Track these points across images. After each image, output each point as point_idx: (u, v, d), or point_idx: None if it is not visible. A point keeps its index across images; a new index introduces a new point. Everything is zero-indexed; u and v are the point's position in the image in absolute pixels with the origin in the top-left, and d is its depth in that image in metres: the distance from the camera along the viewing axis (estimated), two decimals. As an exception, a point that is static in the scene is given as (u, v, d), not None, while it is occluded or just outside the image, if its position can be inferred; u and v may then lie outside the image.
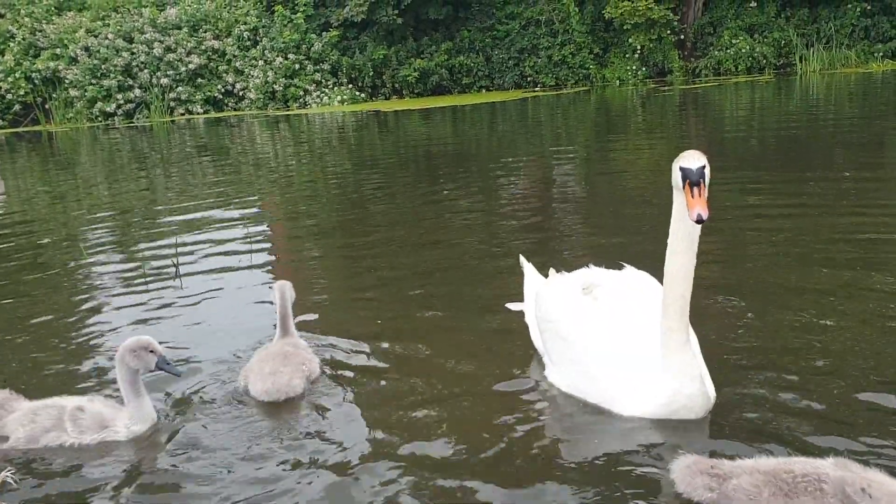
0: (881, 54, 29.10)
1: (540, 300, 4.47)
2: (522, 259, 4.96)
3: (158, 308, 6.17)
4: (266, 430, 4.02)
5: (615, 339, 4.01)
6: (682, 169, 3.53)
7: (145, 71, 31.47)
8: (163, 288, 6.69)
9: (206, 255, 7.85)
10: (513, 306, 4.99)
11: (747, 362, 4.35)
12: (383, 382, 4.49)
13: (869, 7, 29.86)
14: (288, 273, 6.08)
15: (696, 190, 3.43)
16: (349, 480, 3.49)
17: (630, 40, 31.03)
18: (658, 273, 3.95)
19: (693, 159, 3.53)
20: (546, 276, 4.75)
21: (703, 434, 3.68)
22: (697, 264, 3.71)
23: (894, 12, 29.74)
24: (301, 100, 31.53)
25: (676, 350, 3.69)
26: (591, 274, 4.50)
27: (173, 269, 7.15)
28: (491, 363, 4.64)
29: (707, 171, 3.54)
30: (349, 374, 4.68)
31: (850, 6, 29.95)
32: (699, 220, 3.40)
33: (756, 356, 4.42)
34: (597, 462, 3.54)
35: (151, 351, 4.03)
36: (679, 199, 3.64)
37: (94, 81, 31.37)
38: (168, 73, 31.42)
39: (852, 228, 7.07)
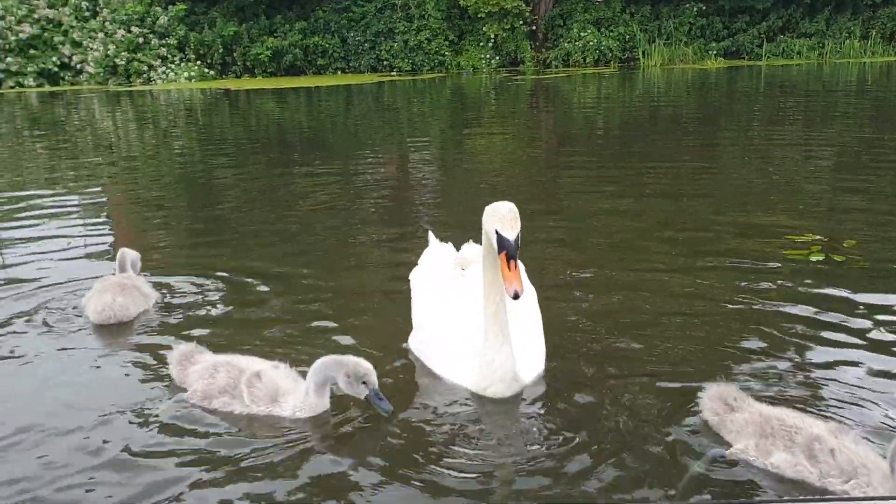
0: (715, 52, 31.03)
1: (418, 267, 4.56)
2: (431, 234, 4.92)
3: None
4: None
5: (462, 313, 4.02)
6: (499, 237, 3.36)
7: (-32, 39, 28.95)
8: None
9: (36, 240, 7.26)
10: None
11: (581, 337, 4.47)
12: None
13: (705, 7, 31.75)
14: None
15: (512, 263, 3.33)
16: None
17: (484, 29, 31.52)
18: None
19: (509, 226, 3.34)
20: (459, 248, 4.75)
21: (515, 407, 3.74)
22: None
23: (727, 13, 31.77)
24: (145, 75, 29.98)
25: (491, 339, 3.71)
26: (470, 250, 4.55)
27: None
28: (364, 334, 4.63)
29: (519, 235, 3.40)
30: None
31: (688, 5, 31.74)
32: (516, 297, 3.32)
33: (591, 333, 4.55)
34: (417, 422, 3.61)
35: (364, 383, 3.58)
36: (490, 249, 3.55)
37: None
38: (-6, 41, 29.05)
39: (688, 210, 7.48)
